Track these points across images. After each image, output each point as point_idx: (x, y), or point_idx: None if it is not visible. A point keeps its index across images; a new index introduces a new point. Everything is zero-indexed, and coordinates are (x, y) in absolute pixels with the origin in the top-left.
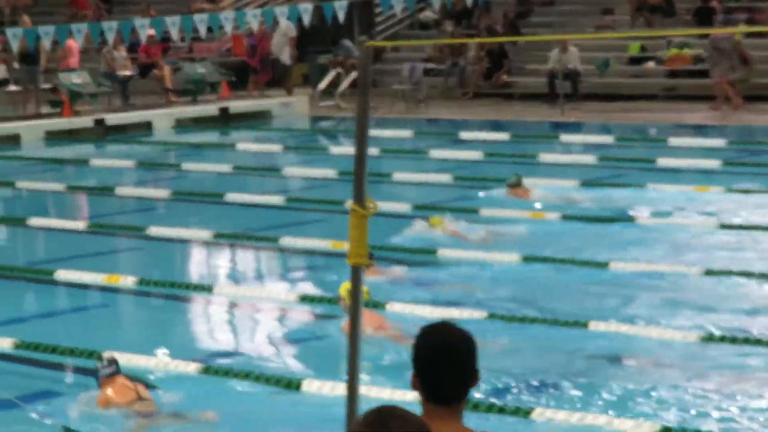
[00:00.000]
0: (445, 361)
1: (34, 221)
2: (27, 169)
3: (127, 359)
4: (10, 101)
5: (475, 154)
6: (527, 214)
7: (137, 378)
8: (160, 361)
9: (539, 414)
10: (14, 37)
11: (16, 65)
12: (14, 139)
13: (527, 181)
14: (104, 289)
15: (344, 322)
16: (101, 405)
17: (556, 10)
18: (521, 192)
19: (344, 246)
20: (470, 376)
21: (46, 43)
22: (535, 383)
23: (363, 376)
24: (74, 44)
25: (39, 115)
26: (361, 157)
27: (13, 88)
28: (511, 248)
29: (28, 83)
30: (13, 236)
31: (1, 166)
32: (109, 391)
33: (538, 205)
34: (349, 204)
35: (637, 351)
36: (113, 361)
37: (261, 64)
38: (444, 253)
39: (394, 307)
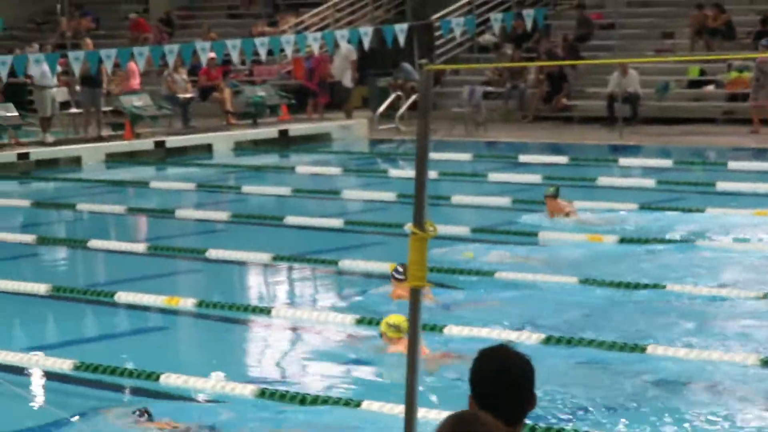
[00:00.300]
0: (502, 385)
1: (95, 243)
2: (88, 191)
3: (183, 381)
4: (71, 124)
5: (534, 177)
6: (585, 237)
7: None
8: (217, 384)
9: None
10: (76, 60)
11: (77, 88)
12: (76, 161)
13: (586, 204)
14: (164, 311)
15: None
16: None
17: (616, 34)
18: (558, 205)
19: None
20: (527, 400)
21: (107, 66)
22: (591, 407)
23: (421, 398)
24: (135, 67)
25: (100, 138)
26: (421, 180)
27: (74, 110)
28: (569, 271)
29: (90, 106)
30: (74, 258)
31: (63, 188)
32: None
33: (572, 220)
34: (409, 227)
35: (695, 375)
36: (146, 412)
37: (319, 87)
38: (501, 275)
39: (452, 330)
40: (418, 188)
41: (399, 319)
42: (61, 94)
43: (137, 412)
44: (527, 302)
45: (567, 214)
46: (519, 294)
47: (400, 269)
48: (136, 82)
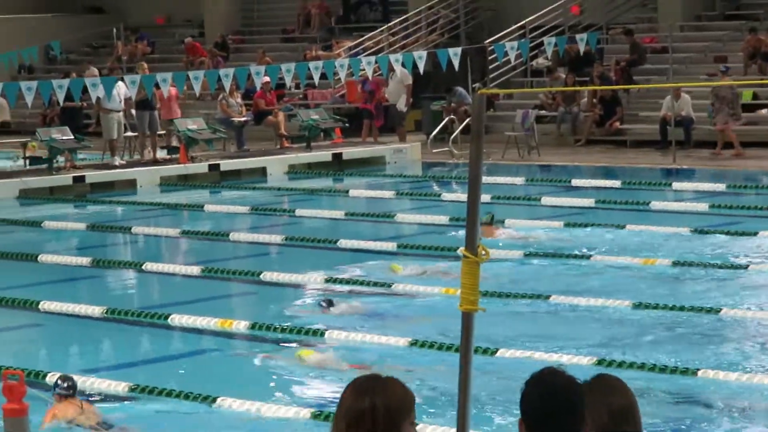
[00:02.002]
0: (552, 408)
1: (150, 266)
2: (143, 213)
3: (239, 405)
4: (127, 147)
5: (587, 201)
6: (639, 261)
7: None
8: (271, 407)
9: None
10: (132, 84)
11: (133, 111)
12: (131, 185)
13: (639, 228)
14: (218, 333)
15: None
16: (48, 419)
17: (668, 58)
18: (490, 230)
19: (455, 292)
20: (579, 423)
21: (163, 90)
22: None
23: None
24: (174, 91)
25: (155, 161)
26: (473, 203)
27: (130, 134)
28: (621, 294)
29: (146, 129)
30: (129, 280)
31: (119, 211)
32: (58, 407)
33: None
34: (462, 251)
35: (748, 399)
36: (73, 386)
37: (376, 110)
38: (555, 299)
39: (505, 354)
40: (470, 212)
41: (307, 353)
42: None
43: (63, 382)
44: (581, 325)
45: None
46: (572, 315)
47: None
48: (176, 106)
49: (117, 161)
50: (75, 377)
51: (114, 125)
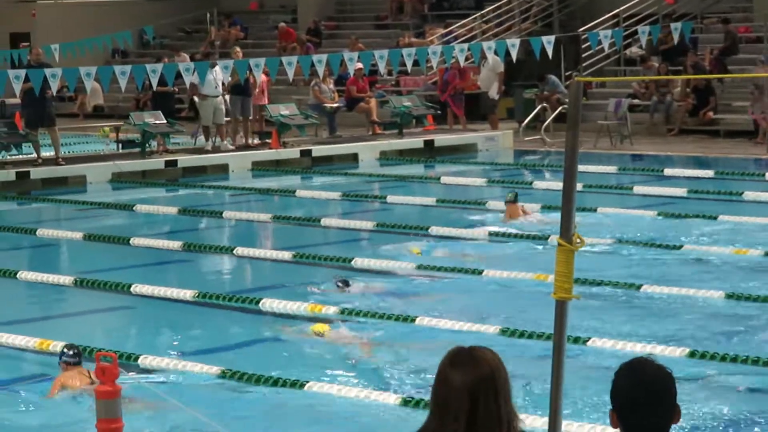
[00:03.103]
0: (643, 398)
1: (241, 251)
2: (234, 198)
3: (328, 388)
4: (205, 133)
5: (679, 191)
6: (731, 251)
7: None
8: (361, 392)
9: None
10: (225, 70)
11: (227, 97)
12: (223, 169)
13: (732, 218)
14: (309, 319)
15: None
16: (56, 387)
17: (762, 47)
18: (516, 211)
19: (548, 279)
20: (670, 414)
21: (256, 76)
22: (740, 423)
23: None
24: (265, 76)
25: (248, 146)
26: (568, 192)
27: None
28: (714, 285)
29: (239, 115)
30: (220, 265)
31: (210, 195)
32: (66, 376)
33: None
34: (556, 239)
35: None
36: (78, 353)
37: (453, 100)
38: (647, 289)
39: (596, 343)
40: (565, 200)
41: (321, 327)
42: None
43: (70, 351)
44: (673, 315)
45: (523, 216)
46: (664, 306)
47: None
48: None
49: (209, 146)
50: (168, 360)
51: (210, 110)
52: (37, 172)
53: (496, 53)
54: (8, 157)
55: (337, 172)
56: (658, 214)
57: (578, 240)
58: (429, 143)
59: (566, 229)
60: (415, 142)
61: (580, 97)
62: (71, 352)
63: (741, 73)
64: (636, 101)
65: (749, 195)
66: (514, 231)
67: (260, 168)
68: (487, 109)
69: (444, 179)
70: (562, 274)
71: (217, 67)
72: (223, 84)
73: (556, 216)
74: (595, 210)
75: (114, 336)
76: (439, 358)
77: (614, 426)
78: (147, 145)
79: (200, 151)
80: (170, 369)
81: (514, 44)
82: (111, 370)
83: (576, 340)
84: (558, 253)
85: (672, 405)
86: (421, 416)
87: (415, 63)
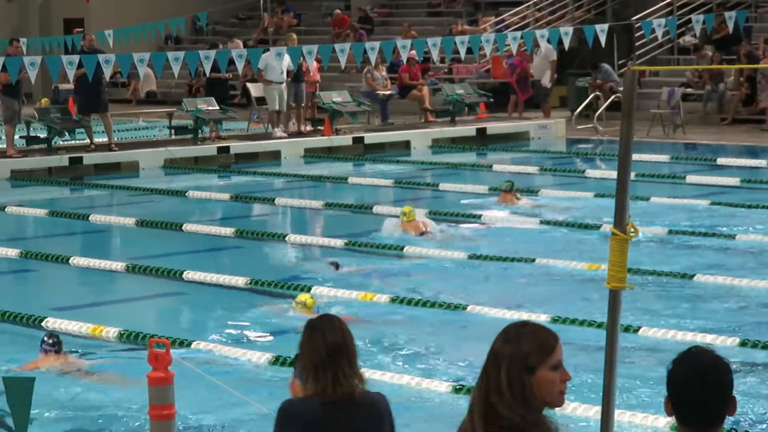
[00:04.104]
0: (697, 387)
1: (293, 237)
2: (286, 185)
3: (379, 376)
4: (272, 119)
5: (732, 180)
6: None
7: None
8: (412, 379)
9: None
10: (278, 56)
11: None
12: (275, 156)
13: None
14: (361, 306)
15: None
16: (28, 366)
17: None
18: (509, 198)
19: (600, 268)
20: (725, 403)
21: (308, 63)
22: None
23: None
24: (316, 63)
25: (300, 133)
26: (623, 182)
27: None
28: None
29: (292, 101)
30: (272, 251)
31: (263, 182)
32: (41, 360)
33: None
34: (611, 228)
35: None
36: (58, 342)
37: (519, 84)
38: (699, 278)
39: (648, 332)
40: (619, 189)
41: (305, 296)
42: (258, 89)
43: (50, 339)
44: (724, 305)
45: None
46: (716, 295)
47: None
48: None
49: (278, 132)
50: (220, 347)
51: (276, 96)
52: (90, 158)
53: (549, 41)
54: (61, 142)
55: (389, 159)
56: (711, 204)
57: (632, 229)
58: (481, 131)
59: (620, 219)
60: (468, 129)
61: (635, 87)
62: (51, 341)
63: None
64: (689, 90)
65: None
66: (567, 220)
67: (312, 155)
68: (540, 98)
69: (496, 167)
70: (616, 264)
71: (285, 54)
72: (288, 71)
73: (549, 201)
74: (648, 199)
75: (166, 322)
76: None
77: (669, 413)
78: (200, 131)
79: (253, 137)
80: (222, 355)
81: (567, 32)
82: (163, 356)
83: (627, 329)
84: (612, 243)
85: (728, 396)
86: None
87: (468, 51)
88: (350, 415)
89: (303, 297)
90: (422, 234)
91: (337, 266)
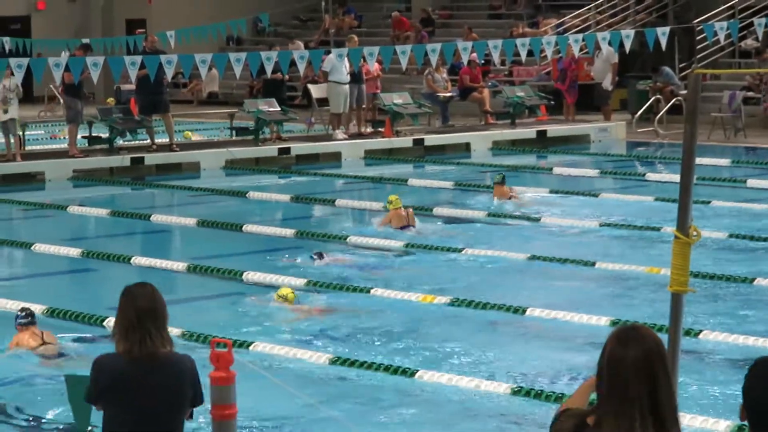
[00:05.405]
0: None
1: (354, 239)
2: (346, 186)
3: (438, 378)
4: (334, 121)
5: None
6: None
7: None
8: (471, 381)
9: None
10: (339, 58)
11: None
12: (335, 157)
13: None
14: (416, 307)
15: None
16: (11, 345)
17: None
18: (505, 191)
19: (660, 272)
20: None
21: (369, 64)
22: None
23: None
24: (377, 65)
25: (360, 135)
26: (686, 185)
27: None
28: None
29: (352, 103)
30: (333, 253)
31: (323, 183)
32: (21, 336)
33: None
34: (673, 231)
35: None
36: (30, 314)
37: (569, 89)
38: (760, 282)
39: (709, 336)
40: (682, 193)
41: (286, 290)
42: (319, 90)
43: (22, 312)
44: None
45: (510, 198)
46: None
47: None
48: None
49: (339, 134)
50: (280, 347)
51: (341, 98)
52: (151, 158)
53: (610, 44)
54: (123, 142)
55: (450, 161)
56: None
57: (695, 233)
58: (542, 133)
59: (683, 222)
60: (528, 132)
61: (699, 90)
62: (23, 314)
63: None
64: (750, 94)
65: None
66: (627, 222)
67: (373, 156)
68: (601, 100)
69: (556, 170)
70: (679, 267)
71: (347, 56)
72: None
73: (546, 197)
74: (709, 203)
75: (226, 322)
76: (552, 349)
77: (742, 419)
78: (261, 132)
79: (313, 138)
80: (282, 356)
81: (628, 35)
82: (225, 356)
83: (688, 332)
84: (674, 246)
85: None
86: (534, 405)
87: (529, 53)
88: (151, 371)
89: (284, 291)
90: (405, 227)
91: (320, 256)
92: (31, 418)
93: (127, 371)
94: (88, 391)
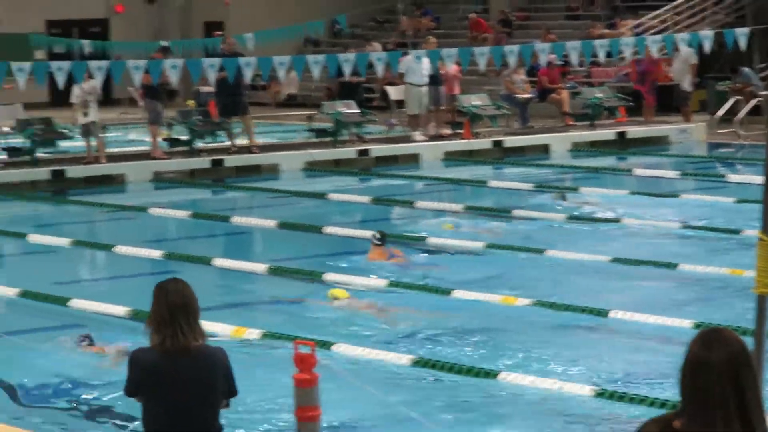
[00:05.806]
0: None
1: (433, 240)
2: (426, 188)
3: (520, 380)
4: (411, 122)
5: None
6: None
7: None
8: (554, 383)
9: None
10: (417, 59)
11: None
12: (415, 159)
13: None
14: (499, 309)
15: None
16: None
17: None
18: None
19: (743, 274)
20: None
21: (447, 66)
22: None
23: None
24: (455, 66)
25: (440, 137)
26: None
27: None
28: None
29: (431, 104)
30: (412, 254)
31: (403, 185)
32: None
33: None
34: (758, 233)
35: None
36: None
37: (648, 90)
38: None
39: None
40: (766, 194)
41: (339, 292)
42: (397, 92)
43: (80, 337)
44: None
45: (390, 260)
46: None
47: (378, 236)
48: (457, 82)
49: (418, 136)
50: (362, 349)
51: (416, 100)
52: (231, 160)
53: (689, 45)
54: (203, 144)
55: (529, 163)
56: None
57: None
58: (621, 135)
59: (767, 224)
60: (607, 133)
61: None
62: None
63: None
64: None
65: None
66: (708, 224)
67: (452, 158)
68: (680, 101)
69: (636, 171)
70: (763, 269)
71: (425, 57)
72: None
73: (627, 198)
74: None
75: (309, 324)
76: (634, 352)
77: None
78: (340, 133)
79: (393, 140)
80: (364, 357)
81: (706, 36)
82: (308, 358)
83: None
84: (759, 248)
85: None
86: (617, 407)
87: (608, 54)
88: (184, 364)
89: (336, 292)
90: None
91: (382, 239)
92: None
93: (161, 364)
94: (127, 385)
